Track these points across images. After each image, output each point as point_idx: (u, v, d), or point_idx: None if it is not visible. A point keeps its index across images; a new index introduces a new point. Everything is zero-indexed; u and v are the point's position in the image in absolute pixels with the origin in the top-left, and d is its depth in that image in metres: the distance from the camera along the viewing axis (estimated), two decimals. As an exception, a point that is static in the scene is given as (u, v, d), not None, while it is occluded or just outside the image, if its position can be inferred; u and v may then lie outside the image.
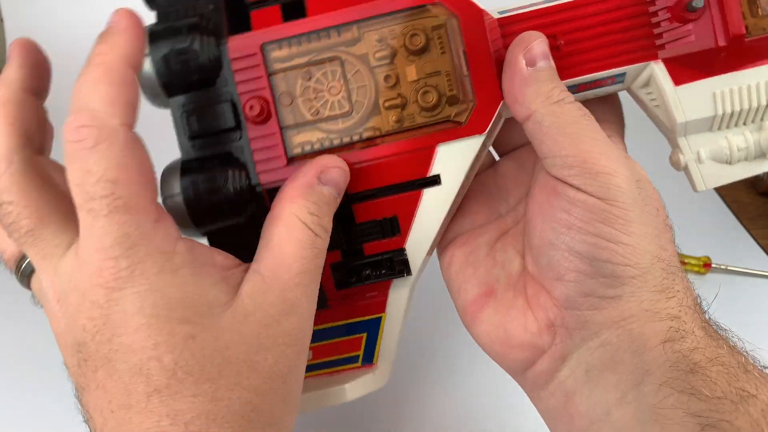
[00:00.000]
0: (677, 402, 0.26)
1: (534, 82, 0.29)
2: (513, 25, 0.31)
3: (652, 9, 0.31)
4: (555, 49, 0.31)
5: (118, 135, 0.24)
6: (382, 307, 0.33)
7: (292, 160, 0.30)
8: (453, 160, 0.31)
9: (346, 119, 0.31)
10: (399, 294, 0.33)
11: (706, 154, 0.33)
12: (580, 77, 0.31)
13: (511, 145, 0.35)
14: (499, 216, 0.34)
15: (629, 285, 0.28)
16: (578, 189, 0.28)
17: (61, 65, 0.34)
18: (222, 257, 0.28)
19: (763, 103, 0.32)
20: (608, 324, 0.28)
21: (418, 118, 0.31)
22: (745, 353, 0.29)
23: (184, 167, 0.29)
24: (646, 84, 0.32)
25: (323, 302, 0.32)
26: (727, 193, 0.62)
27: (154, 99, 0.31)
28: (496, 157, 0.36)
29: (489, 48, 0.30)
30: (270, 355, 0.26)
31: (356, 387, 0.32)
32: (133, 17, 0.27)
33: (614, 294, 0.28)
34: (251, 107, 0.30)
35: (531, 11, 0.31)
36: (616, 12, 0.31)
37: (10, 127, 0.27)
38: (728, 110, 0.32)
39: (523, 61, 0.29)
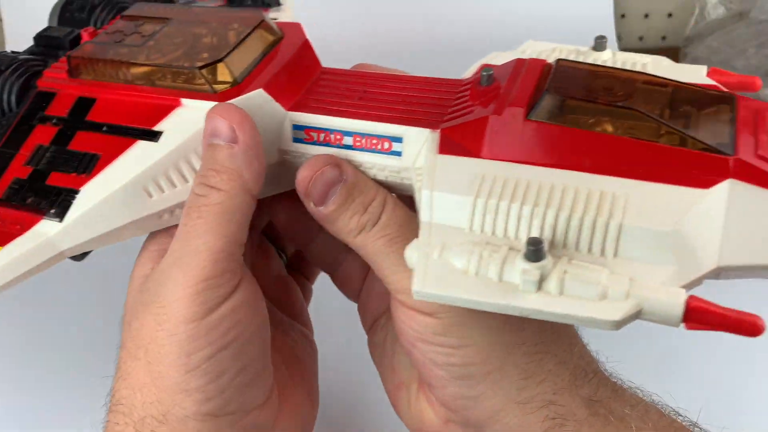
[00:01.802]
0: None
1: (332, 222, 0.28)
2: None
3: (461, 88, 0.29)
4: (362, 93, 0.30)
5: None
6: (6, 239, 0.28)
7: None
8: (184, 123, 0.29)
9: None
10: (35, 241, 0.28)
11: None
12: (366, 121, 0.28)
13: None
14: None
15: (486, 381, 0.27)
16: (409, 308, 0.27)
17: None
18: None
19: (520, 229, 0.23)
20: (487, 420, 0.28)
21: (175, 74, 0.30)
22: (644, 410, 0.28)
23: None
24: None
25: None
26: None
27: None
28: None
29: (277, 56, 0.31)
30: None
31: None
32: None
33: (476, 393, 0.27)
34: None
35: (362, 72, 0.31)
36: (429, 89, 0.30)
37: None
38: (487, 206, 0.24)
39: (312, 205, 0.28)
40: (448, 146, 0.26)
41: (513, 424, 0.27)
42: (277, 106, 0.29)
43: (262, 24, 0.32)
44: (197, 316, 0.25)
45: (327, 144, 0.29)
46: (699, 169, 0.22)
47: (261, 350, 0.28)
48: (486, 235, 0.24)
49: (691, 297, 0.20)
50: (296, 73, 0.31)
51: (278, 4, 0.40)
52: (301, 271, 0.38)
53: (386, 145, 0.28)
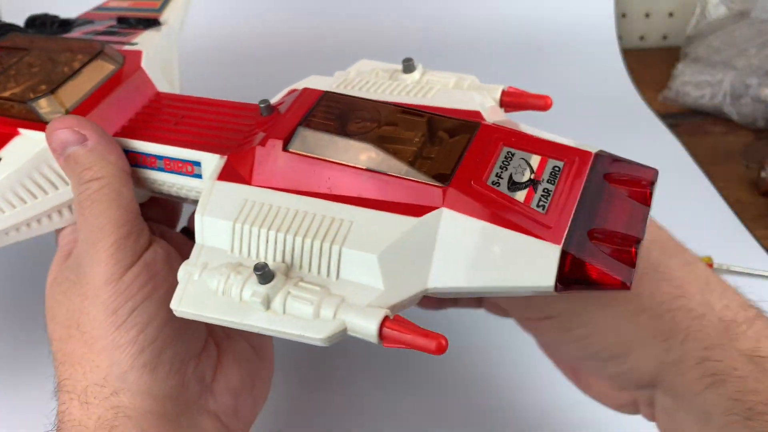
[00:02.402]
0: None
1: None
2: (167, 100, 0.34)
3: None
4: (178, 119, 0.33)
5: None
6: None
7: None
8: (20, 150, 0.32)
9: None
10: None
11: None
12: (173, 147, 0.31)
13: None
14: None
15: (632, 354, 0.29)
16: (529, 319, 0.32)
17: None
18: None
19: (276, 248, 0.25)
20: (652, 382, 0.29)
21: (12, 105, 0.33)
22: None
23: None
24: None
25: None
26: (729, 193, 0.62)
27: None
28: None
29: (112, 85, 0.34)
30: None
31: None
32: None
33: (628, 366, 0.29)
34: None
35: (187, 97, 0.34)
36: (237, 116, 0.32)
37: None
38: (246, 228, 0.26)
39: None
40: (227, 173, 0.28)
41: (676, 383, 0.28)
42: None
43: (101, 54, 0.35)
44: (115, 276, 0.28)
45: (145, 166, 0.32)
46: (416, 198, 0.24)
47: None
48: (243, 257, 0.26)
49: (386, 320, 0.22)
50: (126, 100, 0.34)
51: (158, 24, 0.42)
52: None
53: (189, 168, 0.31)
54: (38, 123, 0.32)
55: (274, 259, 0.25)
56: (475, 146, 0.26)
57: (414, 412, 0.43)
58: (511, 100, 0.31)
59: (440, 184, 0.24)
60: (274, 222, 0.26)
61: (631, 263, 0.23)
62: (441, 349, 0.21)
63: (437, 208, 0.24)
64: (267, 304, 0.24)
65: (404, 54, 0.33)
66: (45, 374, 0.32)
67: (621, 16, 0.84)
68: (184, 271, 0.26)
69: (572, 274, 0.22)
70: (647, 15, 0.86)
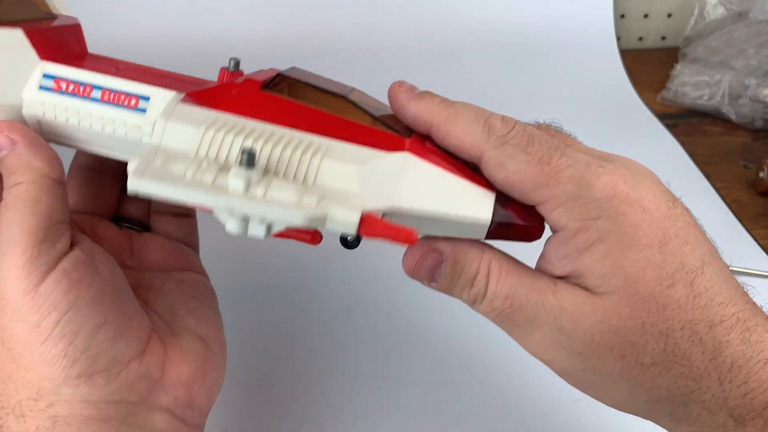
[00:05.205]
0: None
1: (450, 294, 0.30)
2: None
3: None
4: (119, 69, 0.31)
5: None
6: None
7: None
8: None
9: None
10: None
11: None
12: (120, 79, 0.30)
13: None
14: None
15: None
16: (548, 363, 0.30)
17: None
18: None
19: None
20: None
21: None
22: None
23: None
24: None
25: None
26: (727, 193, 0.62)
27: None
28: None
29: (48, 22, 0.31)
30: None
31: None
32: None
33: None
34: None
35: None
36: (180, 77, 0.32)
37: None
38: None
39: (426, 282, 0.30)
40: (190, 100, 0.29)
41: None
42: (32, 53, 0.30)
43: None
44: (31, 286, 0.26)
45: (74, 95, 0.30)
46: (386, 141, 0.28)
47: (118, 303, 0.28)
48: (209, 160, 0.26)
49: (368, 213, 0.25)
50: (61, 38, 0.32)
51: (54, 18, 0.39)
52: (172, 214, 0.37)
53: (133, 102, 0.30)
54: None
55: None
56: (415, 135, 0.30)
57: (407, 409, 0.43)
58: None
59: (405, 135, 0.29)
60: (251, 135, 0.27)
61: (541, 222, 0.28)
62: (412, 239, 0.25)
63: (402, 150, 0.28)
64: (247, 187, 0.24)
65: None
66: None
67: (620, 16, 0.85)
68: (136, 163, 0.25)
69: (503, 208, 0.28)
70: (646, 16, 0.86)
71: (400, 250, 0.36)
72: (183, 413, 0.30)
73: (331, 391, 0.43)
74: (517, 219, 0.28)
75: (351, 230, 0.25)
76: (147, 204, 0.36)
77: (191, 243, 0.37)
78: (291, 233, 0.29)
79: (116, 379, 0.27)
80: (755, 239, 0.57)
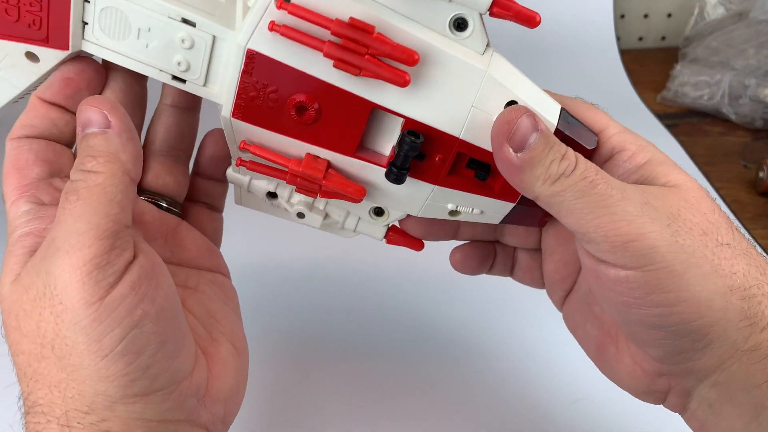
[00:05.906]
0: None
1: (527, 168, 0.27)
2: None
3: None
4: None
5: None
6: None
7: None
8: None
9: None
10: None
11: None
12: None
13: None
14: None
15: (712, 333, 0.26)
16: (613, 265, 0.27)
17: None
18: None
19: None
20: (712, 368, 0.27)
21: None
22: None
23: None
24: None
25: None
26: (727, 193, 0.63)
27: None
28: None
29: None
30: None
31: None
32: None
33: (702, 346, 0.27)
34: None
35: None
36: None
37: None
38: None
39: (511, 150, 0.27)
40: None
41: (737, 371, 0.27)
42: None
43: None
44: (95, 298, 0.24)
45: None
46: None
47: (175, 319, 0.27)
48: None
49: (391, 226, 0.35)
50: None
51: None
52: (206, 205, 0.36)
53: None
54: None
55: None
56: None
57: (407, 410, 0.43)
58: (502, 13, 0.29)
59: None
60: None
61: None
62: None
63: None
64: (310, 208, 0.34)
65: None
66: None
67: (620, 16, 0.85)
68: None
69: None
70: (646, 16, 0.86)
71: (400, 250, 0.36)
72: (215, 430, 0.29)
73: (332, 391, 0.43)
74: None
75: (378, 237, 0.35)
76: (186, 180, 0.35)
77: (217, 242, 0.36)
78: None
79: (170, 397, 0.26)
80: (755, 239, 0.57)
